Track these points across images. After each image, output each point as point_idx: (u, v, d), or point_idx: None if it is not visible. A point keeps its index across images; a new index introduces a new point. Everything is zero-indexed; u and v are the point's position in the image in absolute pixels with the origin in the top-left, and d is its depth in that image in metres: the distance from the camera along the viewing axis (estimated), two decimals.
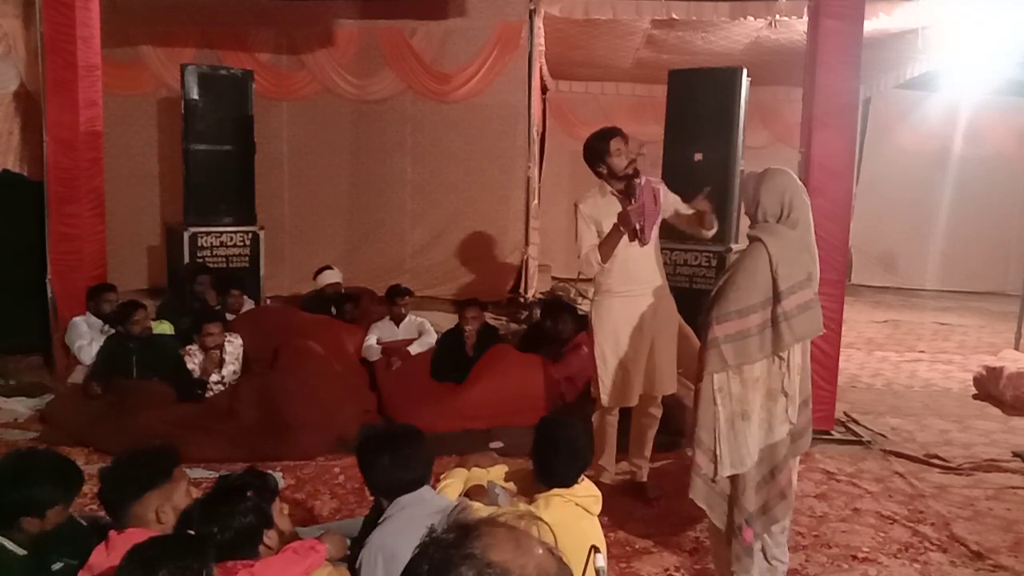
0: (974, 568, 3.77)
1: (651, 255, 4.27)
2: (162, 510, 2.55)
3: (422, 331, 6.15)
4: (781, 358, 3.15)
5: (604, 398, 4.33)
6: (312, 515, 4.09)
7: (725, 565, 3.30)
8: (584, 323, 5.74)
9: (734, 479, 3.20)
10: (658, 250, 4.35)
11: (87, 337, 5.83)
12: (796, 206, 3.19)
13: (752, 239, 3.22)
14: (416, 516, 2.43)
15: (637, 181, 4.12)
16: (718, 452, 3.17)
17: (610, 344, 4.28)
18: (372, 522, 2.63)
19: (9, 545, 2.57)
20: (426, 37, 8.90)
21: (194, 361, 5.47)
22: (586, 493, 2.81)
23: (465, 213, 9.06)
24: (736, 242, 6.47)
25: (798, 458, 3.41)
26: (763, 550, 3.31)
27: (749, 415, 3.16)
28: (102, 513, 2.82)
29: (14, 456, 2.85)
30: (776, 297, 3.10)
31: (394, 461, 2.58)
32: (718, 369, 3.15)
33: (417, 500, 2.56)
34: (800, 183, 3.30)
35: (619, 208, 4.15)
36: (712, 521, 3.29)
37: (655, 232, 4.25)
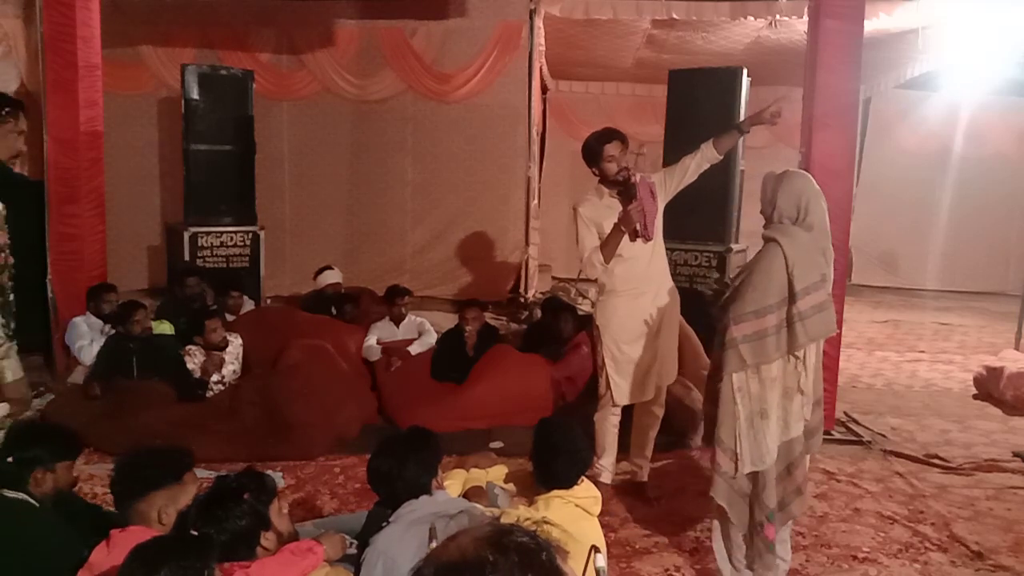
0: (974, 568, 3.76)
1: (655, 253, 4.27)
2: (165, 511, 2.54)
3: (422, 331, 6.14)
4: (797, 357, 3.19)
5: (617, 396, 4.32)
6: (313, 516, 4.08)
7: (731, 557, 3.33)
8: (584, 323, 5.74)
9: (754, 477, 3.24)
10: (662, 248, 4.35)
11: (87, 337, 5.82)
12: (812, 210, 3.24)
13: (767, 240, 3.27)
14: (421, 520, 2.42)
15: (634, 180, 4.12)
16: (738, 450, 3.20)
17: (617, 344, 4.27)
18: (377, 518, 2.60)
19: (24, 498, 2.75)
20: (426, 37, 8.90)
21: (194, 361, 5.47)
22: (586, 494, 2.81)
23: (465, 213, 9.06)
24: (736, 242, 6.46)
25: (808, 456, 3.43)
26: None
27: (768, 413, 3.21)
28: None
29: (18, 424, 3.27)
30: (791, 297, 3.15)
31: (407, 465, 2.58)
32: (737, 369, 3.18)
33: (425, 503, 2.55)
34: (818, 188, 3.34)
35: (618, 208, 4.15)
36: (730, 520, 3.30)
37: (659, 230, 4.26)
